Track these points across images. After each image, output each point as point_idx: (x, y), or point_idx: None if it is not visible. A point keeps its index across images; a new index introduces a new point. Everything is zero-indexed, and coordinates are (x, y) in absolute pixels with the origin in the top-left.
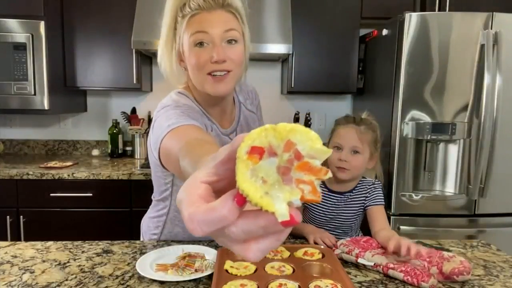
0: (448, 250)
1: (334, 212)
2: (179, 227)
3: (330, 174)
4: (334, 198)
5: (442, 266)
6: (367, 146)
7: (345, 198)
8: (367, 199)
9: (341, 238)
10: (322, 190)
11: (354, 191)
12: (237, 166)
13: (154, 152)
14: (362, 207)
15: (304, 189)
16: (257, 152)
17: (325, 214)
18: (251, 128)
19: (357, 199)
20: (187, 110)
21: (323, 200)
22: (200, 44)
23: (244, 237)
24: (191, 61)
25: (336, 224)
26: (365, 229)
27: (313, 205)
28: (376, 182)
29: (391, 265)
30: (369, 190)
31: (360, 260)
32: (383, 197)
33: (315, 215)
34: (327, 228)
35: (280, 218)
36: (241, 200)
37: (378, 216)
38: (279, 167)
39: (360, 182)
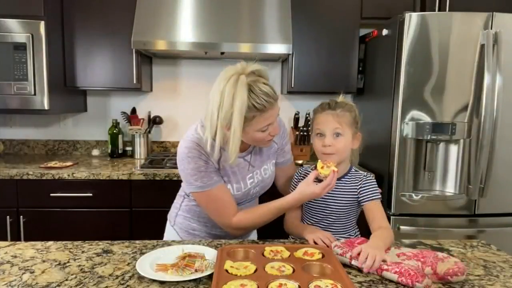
0: (448, 250)
1: (324, 200)
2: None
3: (334, 167)
4: None
5: (436, 266)
6: (347, 128)
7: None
8: (361, 193)
9: (340, 236)
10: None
11: (343, 180)
12: (318, 168)
13: (185, 188)
14: (355, 200)
15: (331, 168)
16: (321, 165)
17: (315, 201)
18: (263, 152)
19: (348, 189)
20: (204, 165)
21: None
22: (264, 131)
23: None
24: (257, 137)
25: (327, 212)
26: (364, 226)
27: None
28: (368, 175)
29: (385, 267)
30: (361, 183)
31: (354, 262)
32: (377, 191)
33: (308, 205)
34: (320, 216)
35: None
36: (320, 176)
37: (374, 213)
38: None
39: (350, 173)
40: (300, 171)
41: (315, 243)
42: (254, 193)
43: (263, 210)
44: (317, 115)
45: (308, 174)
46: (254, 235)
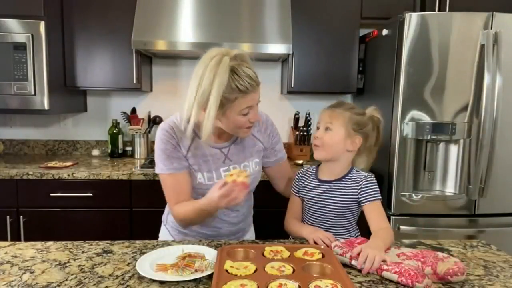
0: (448, 250)
1: (324, 200)
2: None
3: (247, 175)
4: (323, 186)
5: (436, 266)
6: (339, 124)
7: (334, 186)
8: (361, 194)
9: (341, 236)
10: (312, 180)
11: (343, 180)
12: (227, 174)
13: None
14: (355, 200)
15: (237, 178)
16: (231, 173)
17: (315, 202)
18: (246, 148)
19: (347, 188)
20: (171, 149)
21: (313, 189)
22: (245, 114)
23: (230, 192)
24: (238, 122)
25: (327, 213)
26: (364, 226)
27: (306, 196)
28: (368, 176)
29: (385, 267)
30: (361, 183)
31: (354, 262)
32: (378, 191)
33: (308, 205)
34: (320, 217)
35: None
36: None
37: (374, 213)
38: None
39: (351, 174)
40: (300, 172)
41: (315, 243)
42: None
43: (189, 208)
44: (321, 111)
45: (308, 174)
46: (252, 235)
